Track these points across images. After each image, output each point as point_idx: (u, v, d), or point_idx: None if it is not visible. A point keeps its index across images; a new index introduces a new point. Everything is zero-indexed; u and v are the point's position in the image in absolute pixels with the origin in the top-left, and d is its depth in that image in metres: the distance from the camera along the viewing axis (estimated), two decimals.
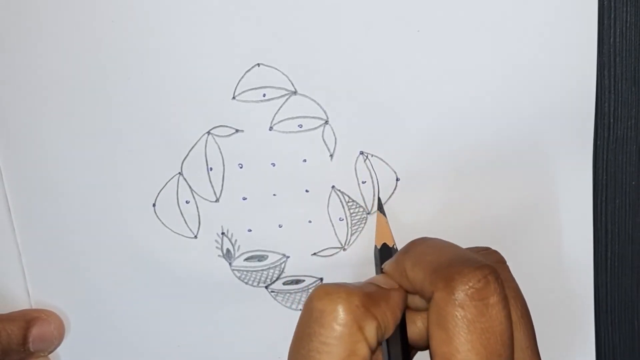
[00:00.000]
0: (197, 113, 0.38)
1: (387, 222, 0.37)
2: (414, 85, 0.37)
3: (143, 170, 0.39)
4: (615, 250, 0.40)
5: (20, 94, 0.38)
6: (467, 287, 0.26)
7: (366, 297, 0.28)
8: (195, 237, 0.40)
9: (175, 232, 0.40)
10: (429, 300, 0.28)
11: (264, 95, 0.38)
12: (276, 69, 0.37)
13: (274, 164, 0.38)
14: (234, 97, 0.38)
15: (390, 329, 0.29)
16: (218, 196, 0.39)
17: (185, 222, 0.39)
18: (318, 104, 0.38)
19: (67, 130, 0.39)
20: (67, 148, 0.39)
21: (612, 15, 0.37)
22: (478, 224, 0.39)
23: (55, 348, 0.41)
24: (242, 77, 0.37)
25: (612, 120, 0.38)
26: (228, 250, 0.40)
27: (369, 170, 0.38)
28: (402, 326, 0.30)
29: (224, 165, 0.38)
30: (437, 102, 0.37)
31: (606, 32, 0.37)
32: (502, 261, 0.32)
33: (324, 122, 0.38)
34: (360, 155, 0.38)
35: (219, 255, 0.40)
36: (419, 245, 0.31)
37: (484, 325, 0.26)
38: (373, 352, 0.28)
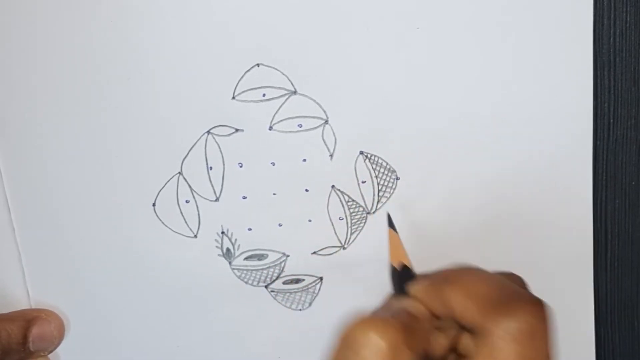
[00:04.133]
0: (197, 113, 0.38)
1: (400, 240, 0.36)
2: (413, 84, 0.37)
3: (143, 169, 0.39)
4: (615, 250, 0.40)
5: (20, 94, 0.38)
6: (523, 322, 0.27)
7: (403, 328, 0.28)
8: (195, 236, 0.40)
9: (175, 232, 0.39)
10: (479, 333, 0.28)
11: (264, 95, 0.38)
12: (276, 69, 0.37)
13: (273, 164, 0.38)
14: (233, 97, 0.38)
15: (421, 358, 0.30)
16: (218, 195, 0.39)
17: (185, 222, 0.39)
18: (318, 104, 0.38)
19: (67, 130, 0.39)
20: (67, 148, 0.39)
21: (612, 16, 0.37)
22: (478, 223, 0.39)
23: (55, 348, 0.40)
24: (242, 77, 0.37)
25: (611, 120, 0.38)
26: (228, 249, 0.40)
27: (369, 170, 0.38)
28: None
29: (224, 165, 0.38)
30: (437, 101, 0.37)
31: (606, 32, 0.37)
32: (524, 285, 0.33)
33: (323, 121, 0.38)
34: (360, 155, 0.38)
35: (219, 255, 0.40)
36: (464, 275, 0.31)
37: (532, 358, 0.27)
38: None
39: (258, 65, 0.37)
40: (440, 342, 0.31)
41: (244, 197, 0.39)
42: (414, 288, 0.32)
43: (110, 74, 0.38)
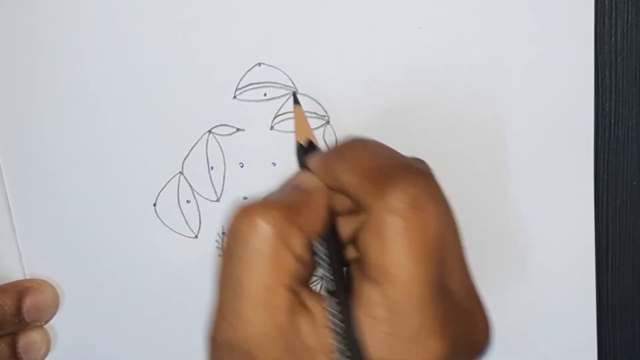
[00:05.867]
0: (198, 112, 0.38)
1: (304, 116, 0.36)
2: (415, 84, 0.37)
3: (144, 169, 0.39)
4: (617, 250, 0.40)
5: (21, 94, 0.38)
6: (405, 194, 0.26)
7: (287, 209, 0.27)
8: (196, 236, 0.39)
9: (175, 232, 0.39)
10: (363, 207, 0.27)
11: (265, 94, 0.38)
12: (277, 68, 0.37)
13: (274, 164, 0.38)
14: (234, 96, 0.38)
15: (318, 233, 0.28)
16: (219, 195, 0.39)
17: (186, 222, 0.39)
18: (319, 104, 0.38)
19: (68, 130, 0.39)
20: (68, 147, 0.39)
21: (613, 15, 0.37)
22: (479, 224, 0.39)
23: (51, 317, 0.40)
24: (243, 76, 0.37)
25: (613, 120, 0.38)
26: None
27: None
28: (332, 225, 0.29)
29: (225, 165, 0.38)
30: (438, 101, 0.37)
31: (607, 32, 0.37)
32: (428, 170, 0.31)
33: (325, 121, 0.38)
34: None
35: (219, 255, 0.40)
36: (354, 148, 0.29)
37: (420, 233, 0.26)
38: (305, 263, 0.27)
39: (259, 64, 0.37)
40: (343, 229, 0.29)
41: (245, 198, 0.39)
42: (310, 161, 0.30)
43: (111, 73, 0.38)
